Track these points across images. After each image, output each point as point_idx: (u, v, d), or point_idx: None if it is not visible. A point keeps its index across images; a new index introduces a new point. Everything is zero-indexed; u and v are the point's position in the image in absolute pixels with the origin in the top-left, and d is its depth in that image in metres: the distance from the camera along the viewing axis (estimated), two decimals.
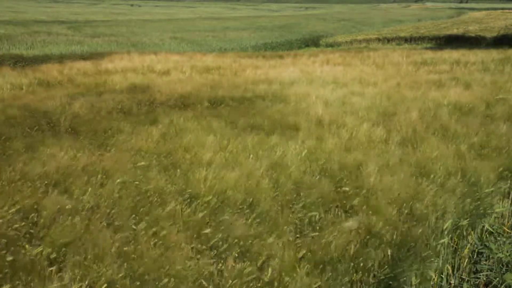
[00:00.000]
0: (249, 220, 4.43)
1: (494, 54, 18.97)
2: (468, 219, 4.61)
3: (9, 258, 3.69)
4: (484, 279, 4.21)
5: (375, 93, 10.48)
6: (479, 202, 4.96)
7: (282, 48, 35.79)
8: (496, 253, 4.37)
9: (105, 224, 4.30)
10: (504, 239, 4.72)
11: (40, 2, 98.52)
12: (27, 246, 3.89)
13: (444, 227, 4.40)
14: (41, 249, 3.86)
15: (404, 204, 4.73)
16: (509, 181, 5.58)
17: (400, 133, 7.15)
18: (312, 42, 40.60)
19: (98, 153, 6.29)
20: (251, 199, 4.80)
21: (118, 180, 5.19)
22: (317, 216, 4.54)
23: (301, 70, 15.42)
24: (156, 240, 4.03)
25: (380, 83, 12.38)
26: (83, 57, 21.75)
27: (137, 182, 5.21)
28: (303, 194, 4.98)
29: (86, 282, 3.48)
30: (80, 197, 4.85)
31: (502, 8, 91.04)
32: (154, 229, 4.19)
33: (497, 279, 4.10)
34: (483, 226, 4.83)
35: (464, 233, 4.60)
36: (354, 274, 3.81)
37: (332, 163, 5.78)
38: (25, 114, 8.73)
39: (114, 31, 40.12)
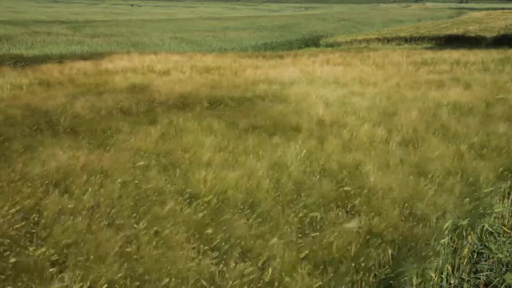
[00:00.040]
0: (250, 220, 4.43)
1: (494, 54, 18.97)
2: (468, 219, 4.61)
3: (12, 260, 3.66)
4: (484, 279, 4.20)
5: (375, 93, 10.49)
6: (478, 202, 4.96)
7: (282, 48, 35.77)
8: (496, 253, 4.37)
9: (106, 224, 4.31)
10: (504, 239, 4.71)
11: (40, 2, 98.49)
12: (30, 247, 3.88)
13: (444, 227, 4.40)
14: (44, 249, 3.85)
15: (405, 204, 4.73)
16: (509, 181, 5.58)
17: (401, 133, 7.16)
18: (312, 42, 40.58)
19: (97, 152, 6.29)
20: (251, 199, 4.80)
21: (118, 180, 5.20)
22: (318, 216, 4.53)
23: (301, 70, 15.41)
24: (157, 239, 4.03)
25: (380, 83, 12.38)
26: (83, 57, 21.75)
27: (136, 181, 5.22)
28: (304, 194, 4.98)
29: (88, 283, 3.47)
30: (80, 196, 4.85)
31: (502, 8, 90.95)
32: (155, 228, 4.19)
33: (497, 279, 4.10)
34: (483, 226, 4.83)
35: (464, 233, 4.60)
36: (355, 274, 3.81)
37: (333, 163, 5.78)
38: (25, 114, 8.73)
39: (114, 31, 40.09)
